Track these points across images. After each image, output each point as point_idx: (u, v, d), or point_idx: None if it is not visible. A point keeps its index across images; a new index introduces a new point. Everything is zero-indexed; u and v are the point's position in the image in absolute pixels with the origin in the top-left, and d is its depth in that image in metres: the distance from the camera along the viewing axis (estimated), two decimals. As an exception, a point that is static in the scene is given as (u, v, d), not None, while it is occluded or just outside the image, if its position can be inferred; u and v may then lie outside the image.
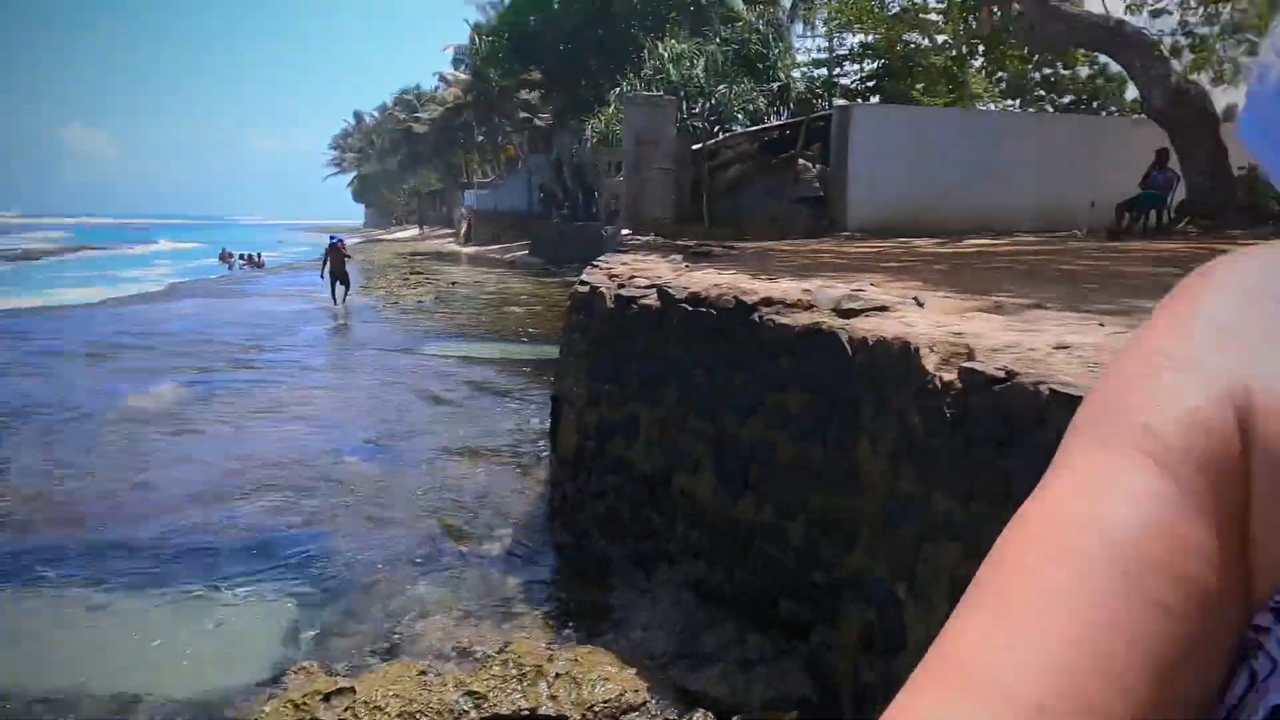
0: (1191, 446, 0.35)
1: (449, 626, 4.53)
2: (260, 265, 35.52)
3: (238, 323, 16.49)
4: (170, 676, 4.08)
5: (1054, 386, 2.30)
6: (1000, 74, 25.93)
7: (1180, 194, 12.80)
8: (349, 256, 19.16)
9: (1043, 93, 33.32)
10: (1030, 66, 24.57)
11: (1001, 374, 2.51)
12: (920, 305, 3.86)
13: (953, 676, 0.31)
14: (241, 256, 37.11)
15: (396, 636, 4.43)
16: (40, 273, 32.59)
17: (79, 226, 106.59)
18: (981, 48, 20.23)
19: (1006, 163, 16.76)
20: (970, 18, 18.12)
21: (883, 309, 3.72)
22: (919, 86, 22.93)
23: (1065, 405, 2.24)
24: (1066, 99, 33.46)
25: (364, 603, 4.86)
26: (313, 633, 4.52)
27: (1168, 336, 0.40)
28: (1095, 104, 31.95)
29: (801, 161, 16.23)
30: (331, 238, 19.24)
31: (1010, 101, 32.81)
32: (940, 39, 20.17)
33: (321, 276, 18.87)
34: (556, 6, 31.66)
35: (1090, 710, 0.29)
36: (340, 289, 18.60)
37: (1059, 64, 23.40)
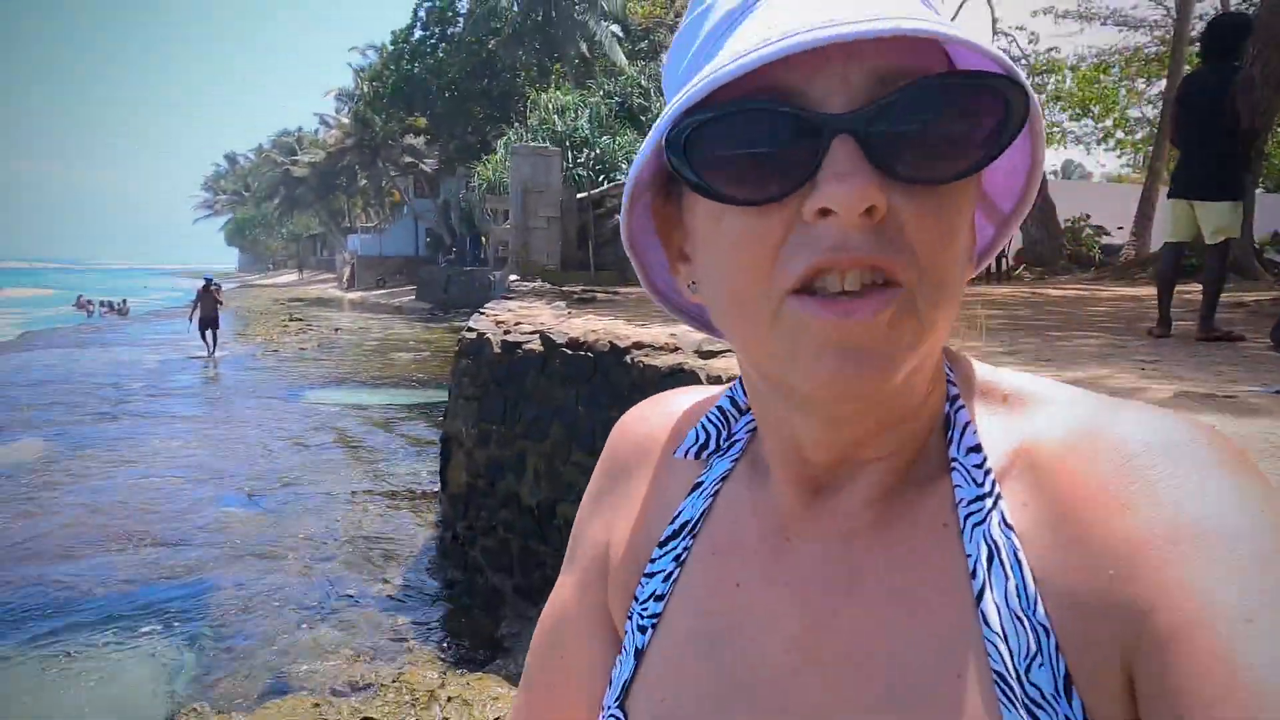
0: (581, 561, 0.64)
1: (342, 664, 4.66)
2: (124, 313, 33.69)
3: (102, 373, 15.71)
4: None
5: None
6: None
7: (1016, 244, 14.27)
8: (221, 302, 18.24)
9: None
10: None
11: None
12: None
13: None
14: (103, 304, 35.07)
15: (289, 675, 4.52)
16: None
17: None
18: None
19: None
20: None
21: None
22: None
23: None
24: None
25: (254, 646, 4.91)
26: (203, 676, 4.55)
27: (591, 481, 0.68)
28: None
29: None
30: (206, 278, 18.23)
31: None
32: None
33: (190, 321, 18.00)
34: (441, 55, 32.02)
35: None
36: (210, 335, 17.74)
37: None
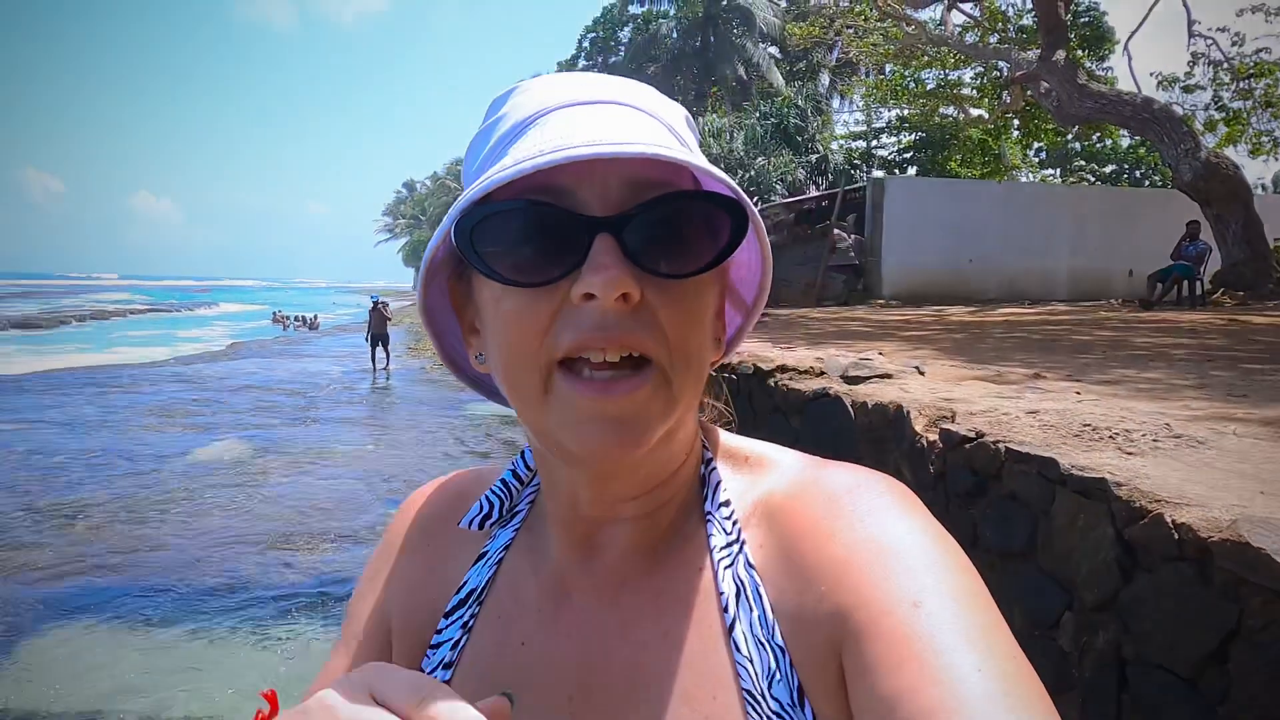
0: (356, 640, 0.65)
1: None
2: (315, 327, 36.91)
3: (293, 381, 17.29)
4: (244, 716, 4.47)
5: (1010, 445, 2.65)
6: (1039, 146, 26.32)
7: (1215, 265, 12.90)
8: (390, 319, 19.21)
9: (1083, 162, 33.58)
10: (1069, 137, 24.91)
11: (972, 434, 2.86)
12: (921, 373, 4.22)
13: None
14: (297, 318, 38.58)
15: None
16: (110, 331, 34.32)
17: (145, 288, 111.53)
18: (1016, 121, 20.69)
19: (1041, 233, 17.05)
20: (1004, 93, 18.64)
21: (885, 376, 4.09)
22: (956, 158, 23.46)
23: (1018, 461, 2.59)
24: (1108, 168, 33.66)
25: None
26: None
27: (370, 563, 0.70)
28: (1138, 173, 32.07)
29: (837, 231, 16.70)
30: (373, 298, 19.29)
31: (1050, 171, 33.16)
32: (975, 113, 20.68)
33: (366, 339, 19.02)
34: (604, 83, 33.09)
35: None
36: (382, 350, 18.69)
37: (1096, 135, 23.77)
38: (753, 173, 21.46)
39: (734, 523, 0.58)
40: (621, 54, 32.97)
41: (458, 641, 0.61)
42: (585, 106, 0.52)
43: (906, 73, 19.57)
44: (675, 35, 30.93)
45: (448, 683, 0.58)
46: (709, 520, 0.58)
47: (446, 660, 0.61)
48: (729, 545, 0.57)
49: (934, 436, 3.17)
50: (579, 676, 0.57)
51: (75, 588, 6.01)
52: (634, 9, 33.02)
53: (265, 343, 28.61)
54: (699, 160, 0.49)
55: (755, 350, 5.23)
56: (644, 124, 0.52)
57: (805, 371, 4.36)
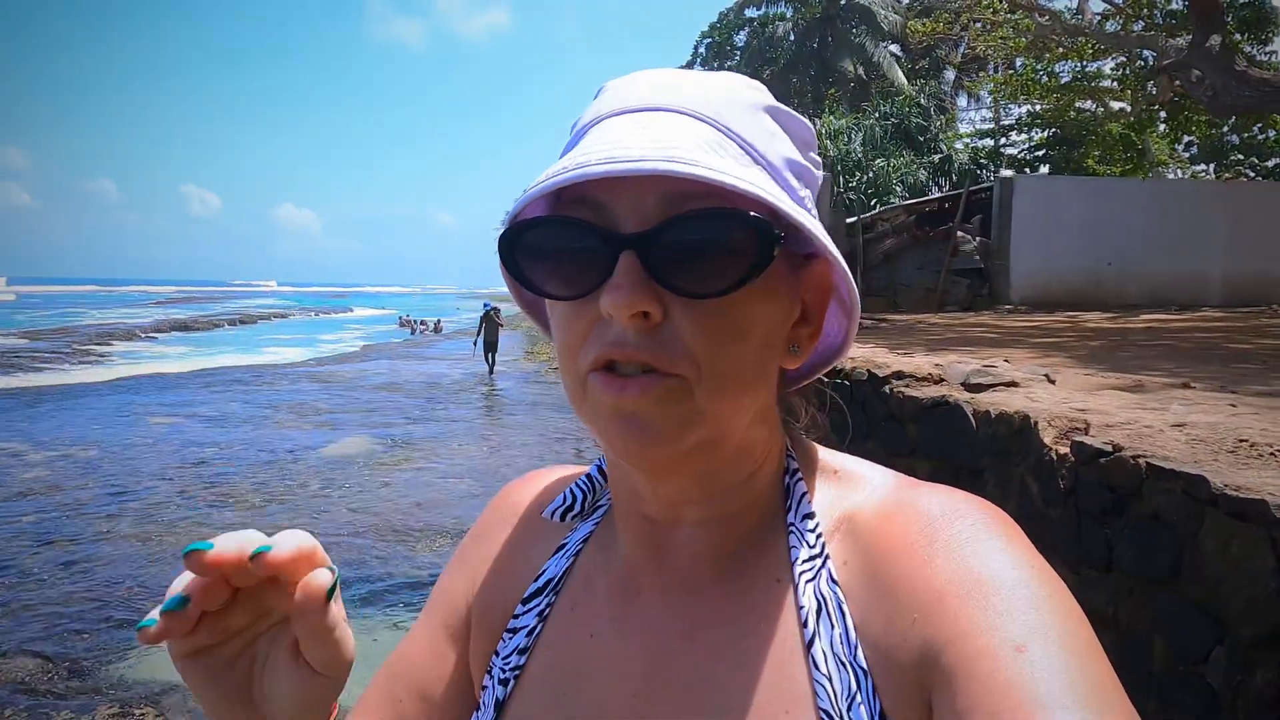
0: (437, 616, 0.69)
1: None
2: (438, 330, 38.51)
3: (415, 382, 18.08)
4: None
5: (1152, 461, 2.42)
6: (1189, 139, 24.35)
7: None
8: (501, 324, 19.45)
9: (1240, 156, 30.83)
10: (1225, 130, 22.94)
11: (1108, 448, 2.63)
12: (1051, 381, 3.95)
13: None
14: (422, 322, 40.36)
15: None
16: (256, 334, 36.95)
17: (288, 294, 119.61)
18: (1163, 114, 19.18)
19: (1191, 233, 15.77)
20: (1149, 84, 17.35)
21: (1011, 385, 3.85)
22: (1094, 155, 22.02)
23: (1161, 478, 2.36)
24: (1271, 162, 30.75)
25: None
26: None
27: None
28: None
29: (961, 234, 16.01)
30: (485, 305, 19.60)
31: (1202, 167, 30.61)
32: (1116, 106, 19.33)
33: (474, 344, 19.51)
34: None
35: None
36: (491, 356, 18.95)
37: (1257, 126, 21.76)
38: (871, 174, 20.87)
39: (818, 536, 0.56)
40: (737, 58, 32.81)
41: (533, 629, 0.63)
42: (634, 115, 0.53)
43: (1039, 66, 18.50)
44: (792, 37, 30.49)
45: (521, 668, 0.61)
46: (791, 531, 0.57)
47: (521, 646, 0.62)
48: (812, 559, 0.55)
49: (1065, 449, 2.94)
50: (644, 674, 0.57)
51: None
52: (750, 12, 32.80)
53: (393, 345, 30.07)
54: (715, 174, 0.46)
55: (869, 355, 5.04)
56: (686, 133, 0.50)
57: (923, 378, 4.16)
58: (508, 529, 0.70)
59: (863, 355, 5.08)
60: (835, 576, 0.54)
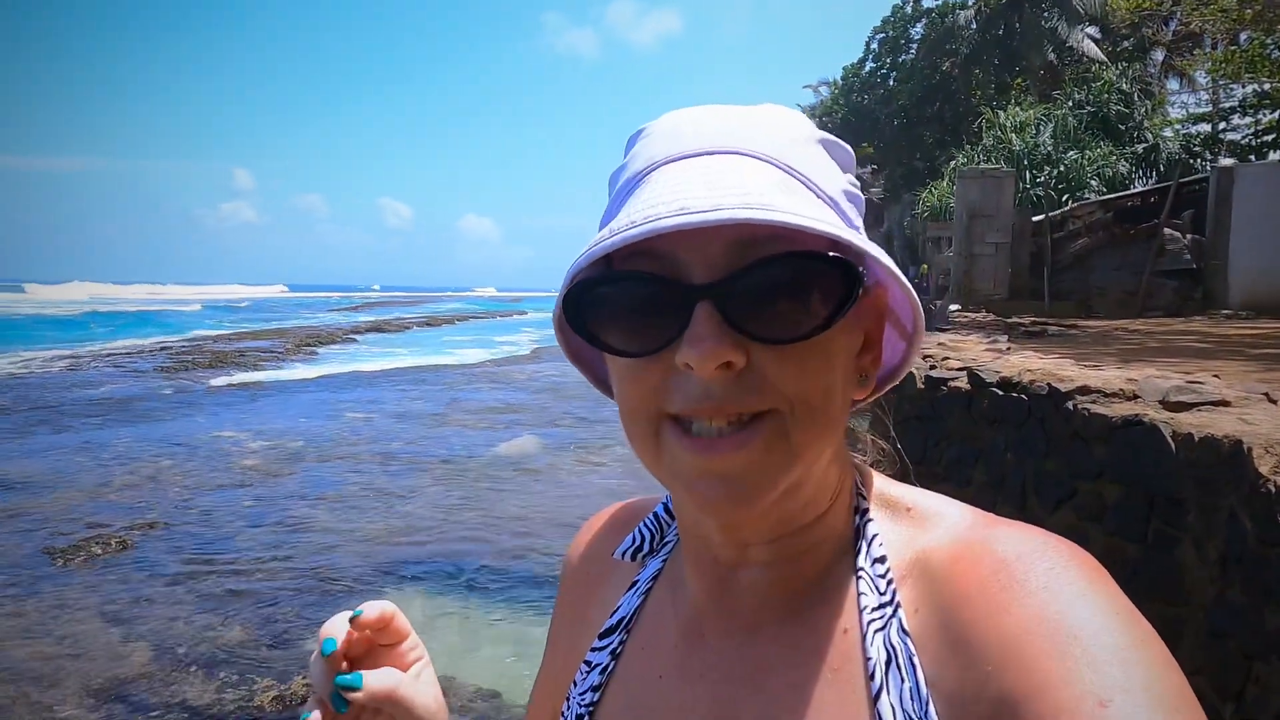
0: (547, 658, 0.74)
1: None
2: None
3: (582, 383, 18.62)
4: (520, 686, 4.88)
5: (1398, 500, 2.05)
6: None
7: None
8: None
9: None
10: None
11: (1341, 482, 2.27)
12: (1273, 401, 3.47)
13: None
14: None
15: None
16: (439, 337, 39.58)
17: (468, 299, 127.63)
18: None
19: None
20: None
21: (1221, 404, 3.42)
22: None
23: None
24: None
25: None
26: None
27: None
28: None
29: (1168, 231, 14.48)
30: None
31: None
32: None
33: None
34: (892, 84, 31.82)
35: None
36: None
37: None
38: (1061, 168, 19.30)
39: (889, 582, 0.53)
40: (913, 51, 31.43)
41: (606, 667, 0.63)
42: (690, 161, 0.51)
43: (1268, 40, 16.37)
44: (975, 25, 28.76)
45: (595, 705, 0.63)
46: (860, 577, 0.55)
47: (595, 684, 0.63)
48: (881, 607, 0.53)
49: (1285, 481, 2.57)
50: (709, 719, 0.56)
51: (398, 556, 6.98)
52: (928, 2, 31.33)
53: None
54: (793, 218, 0.45)
55: (1051, 368, 4.64)
56: (754, 176, 0.49)
57: (1113, 394, 3.77)
58: (584, 566, 0.72)
59: (1044, 367, 4.68)
60: (906, 626, 0.51)
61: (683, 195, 0.46)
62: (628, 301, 0.50)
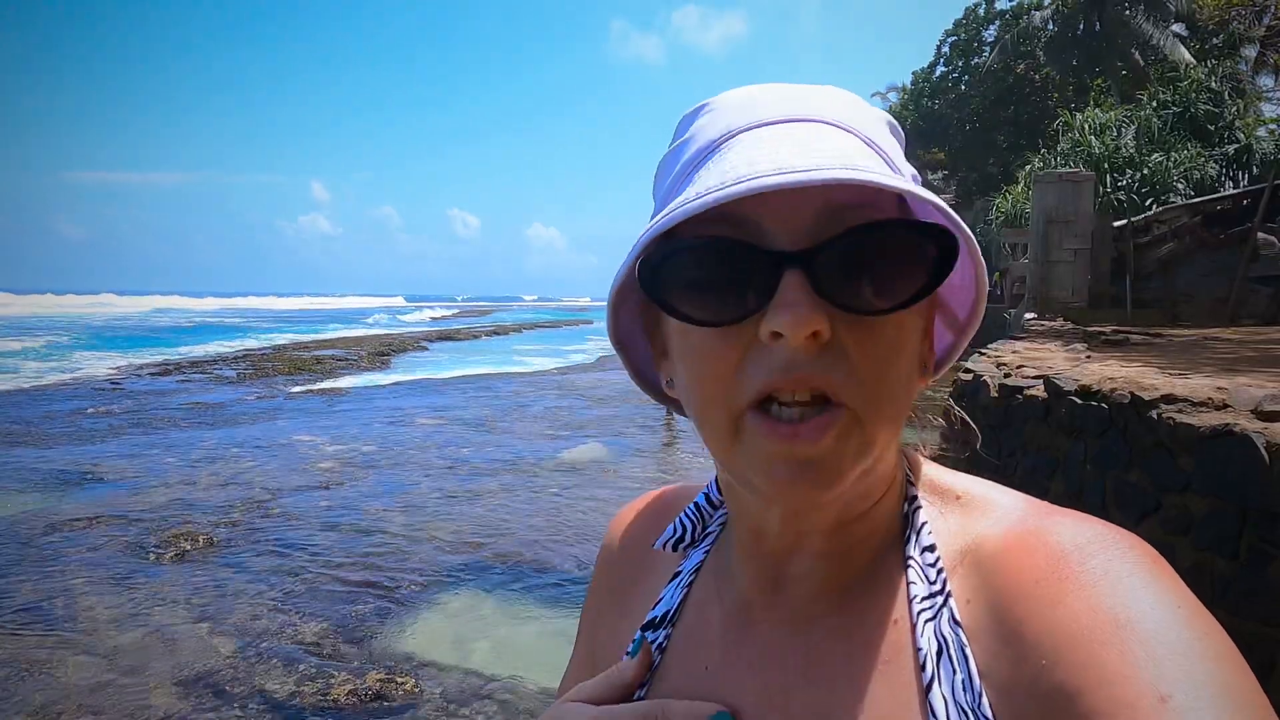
0: (581, 647, 0.75)
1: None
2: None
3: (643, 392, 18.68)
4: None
5: None
6: None
7: None
8: None
9: None
10: None
11: None
12: (1378, 411, 3.28)
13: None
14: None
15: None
16: (507, 344, 40.23)
17: (534, 308, 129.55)
18: None
19: None
20: None
21: (1320, 413, 3.24)
22: None
23: None
24: None
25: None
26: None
27: None
28: None
29: (1263, 235, 13.77)
30: None
31: None
32: None
33: None
34: (964, 87, 31.13)
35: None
36: None
37: None
38: (1145, 171, 18.55)
39: (939, 571, 0.52)
40: (986, 54, 30.68)
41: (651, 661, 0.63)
42: (774, 127, 0.49)
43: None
44: (1053, 26, 27.92)
45: (641, 700, 0.61)
46: (910, 566, 0.54)
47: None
48: (931, 596, 0.52)
49: (1391, 494, 2.43)
50: (759, 709, 0.55)
51: (466, 558, 7.12)
52: (1002, 4, 30.57)
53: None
54: (900, 181, 0.44)
55: (1134, 376, 4.47)
56: (840, 142, 0.48)
57: (1201, 403, 3.61)
58: (622, 558, 0.71)
59: (1126, 375, 4.52)
60: (957, 617, 0.50)
61: (776, 158, 0.45)
62: (708, 270, 0.48)
